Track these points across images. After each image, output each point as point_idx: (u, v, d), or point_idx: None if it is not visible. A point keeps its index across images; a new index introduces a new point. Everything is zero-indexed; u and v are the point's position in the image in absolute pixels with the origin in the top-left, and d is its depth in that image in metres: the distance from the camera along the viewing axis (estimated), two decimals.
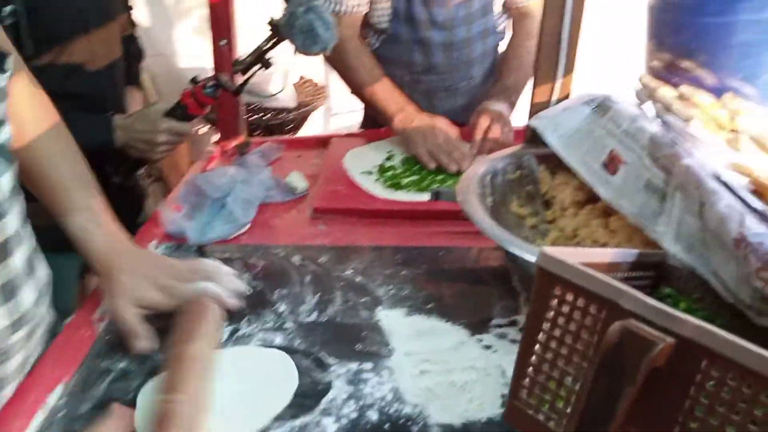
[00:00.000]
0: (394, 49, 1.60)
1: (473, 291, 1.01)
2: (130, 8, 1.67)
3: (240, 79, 1.36)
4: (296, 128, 2.42)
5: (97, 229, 0.87)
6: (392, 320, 0.94)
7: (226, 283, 0.90)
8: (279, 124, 2.33)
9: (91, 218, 0.87)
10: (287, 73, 2.45)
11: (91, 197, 0.89)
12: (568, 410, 0.51)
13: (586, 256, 0.56)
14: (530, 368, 0.53)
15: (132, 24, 1.69)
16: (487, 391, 0.80)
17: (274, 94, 2.24)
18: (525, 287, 0.99)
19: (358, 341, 0.90)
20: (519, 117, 1.46)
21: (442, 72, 1.62)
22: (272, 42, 1.26)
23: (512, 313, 0.94)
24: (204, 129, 2.40)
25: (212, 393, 0.76)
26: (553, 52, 1.05)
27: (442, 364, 0.85)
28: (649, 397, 0.46)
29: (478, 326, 0.92)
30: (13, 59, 0.79)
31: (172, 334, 0.82)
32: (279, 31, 1.23)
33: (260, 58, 1.29)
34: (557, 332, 0.52)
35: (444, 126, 1.44)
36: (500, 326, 0.92)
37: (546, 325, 0.52)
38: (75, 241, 0.87)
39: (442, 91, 1.66)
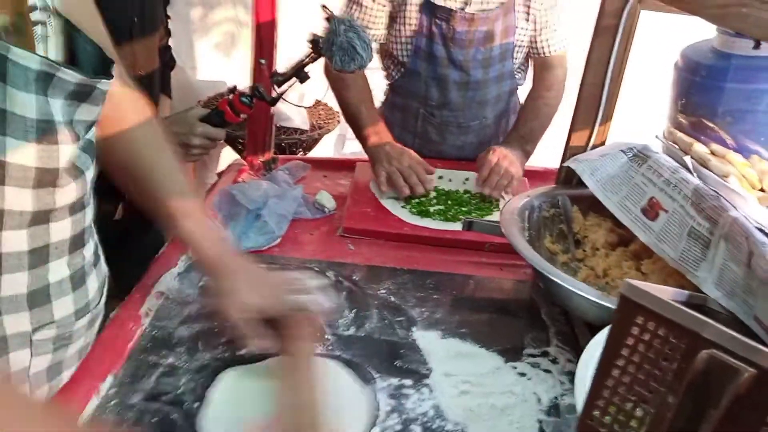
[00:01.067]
0: (413, 83, 1.65)
1: (503, 320, 1.04)
2: (168, 18, 1.71)
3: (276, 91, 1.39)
4: (308, 149, 2.45)
5: (206, 233, 0.90)
6: (428, 341, 0.97)
7: (316, 295, 0.92)
8: (291, 144, 2.37)
9: (199, 223, 0.90)
10: (303, 96, 2.50)
11: (195, 203, 0.93)
12: (643, 430, 0.54)
13: (652, 290, 0.60)
14: (606, 390, 0.57)
15: (168, 33, 1.72)
16: (525, 415, 0.83)
17: (309, 107, 2.28)
18: (554, 320, 1.03)
19: (397, 358, 0.92)
20: (550, 158, 1.49)
21: (455, 109, 1.66)
22: (310, 57, 1.30)
23: (543, 344, 0.98)
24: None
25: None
26: (594, 101, 1.11)
27: (481, 387, 0.88)
28: (729, 422, 0.50)
29: (511, 354, 0.95)
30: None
31: (280, 337, 0.86)
32: (319, 48, 1.27)
33: (298, 72, 1.33)
34: (636, 358, 0.55)
35: (412, 155, 1.47)
36: (533, 356, 0.95)
37: (625, 351, 0.56)
38: (187, 243, 0.90)
39: (454, 127, 1.70)
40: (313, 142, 2.50)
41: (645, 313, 0.55)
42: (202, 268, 0.93)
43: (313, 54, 1.30)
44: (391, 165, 1.43)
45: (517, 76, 1.70)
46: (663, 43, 1.88)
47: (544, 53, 1.64)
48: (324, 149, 2.69)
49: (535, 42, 1.63)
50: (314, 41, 1.28)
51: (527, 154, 1.58)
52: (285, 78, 1.34)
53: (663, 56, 1.44)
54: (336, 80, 1.57)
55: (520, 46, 1.62)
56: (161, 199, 0.89)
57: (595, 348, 0.72)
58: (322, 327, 0.92)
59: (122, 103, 0.87)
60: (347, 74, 1.53)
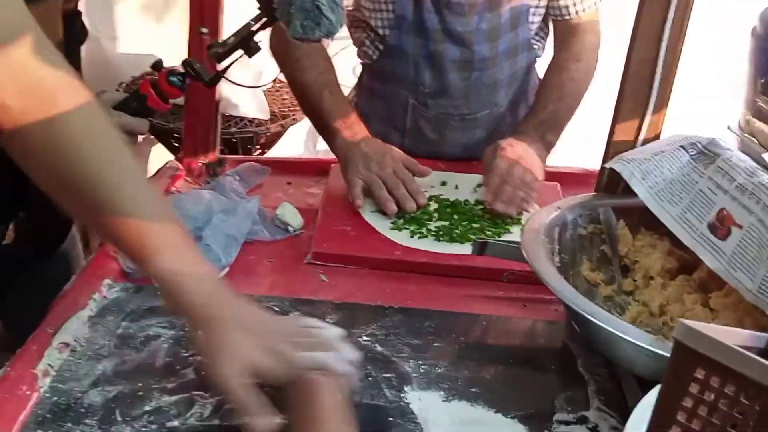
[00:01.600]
0: (397, 65, 1.65)
1: (526, 375, 1.05)
2: None
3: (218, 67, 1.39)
4: (267, 147, 2.47)
5: (189, 271, 0.89)
6: (426, 405, 0.97)
7: (339, 350, 0.91)
8: (245, 139, 2.38)
9: (179, 258, 0.89)
10: (260, 74, 2.50)
11: (171, 227, 0.91)
12: None
13: (717, 334, 0.61)
14: None
15: None
16: None
17: (267, 87, 2.26)
18: (594, 375, 1.04)
19: (384, 428, 0.93)
20: (588, 157, 1.50)
21: (457, 97, 1.67)
22: (262, 22, 1.31)
23: (580, 407, 0.99)
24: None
25: None
26: (644, 84, 1.12)
27: None
28: None
29: (537, 421, 0.96)
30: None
31: (291, 418, 0.83)
32: (272, 9, 1.27)
33: (245, 41, 1.33)
34: (696, 424, 0.56)
35: (397, 156, 1.47)
36: (566, 423, 0.96)
37: (681, 416, 0.57)
38: (161, 285, 0.89)
39: (456, 120, 1.70)
40: (275, 137, 2.52)
41: (707, 365, 0.56)
42: (183, 317, 0.92)
43: (264, 17, 1.30)
44: (369, 171, 1.42)
45: (534, 47, 1.71)
46: (735, 4, 1.91)
47: (569, 16, 1.64)
48: (290, 146, 2.70)
49: (557, 1, 1.64)
50: (266, 1, 1.29)
51: (549, 146, 1.58)
52: (227, 50, 1.35)
53: (735, 22, 1.47)
54: (287, 59, 1.57)
55: (537, 7, 1.63)
56: (122, 222, 0.88)
57: (646, 411, 0.73)
58: (348, 391, 0.89)
59: (45, 85, 0.87)
60: (302, 52, 1.54)
